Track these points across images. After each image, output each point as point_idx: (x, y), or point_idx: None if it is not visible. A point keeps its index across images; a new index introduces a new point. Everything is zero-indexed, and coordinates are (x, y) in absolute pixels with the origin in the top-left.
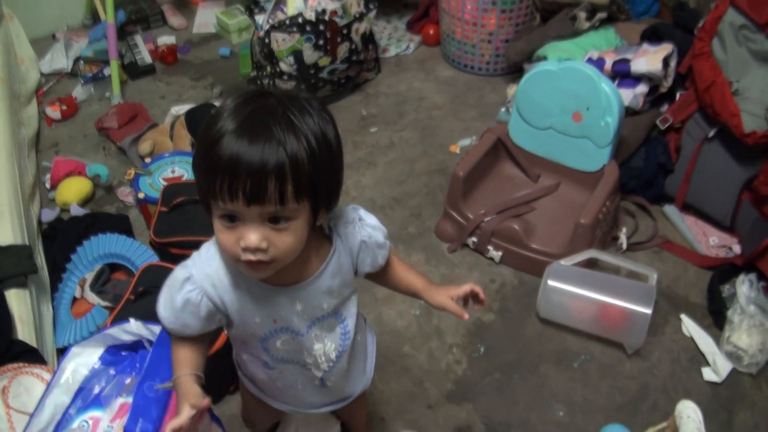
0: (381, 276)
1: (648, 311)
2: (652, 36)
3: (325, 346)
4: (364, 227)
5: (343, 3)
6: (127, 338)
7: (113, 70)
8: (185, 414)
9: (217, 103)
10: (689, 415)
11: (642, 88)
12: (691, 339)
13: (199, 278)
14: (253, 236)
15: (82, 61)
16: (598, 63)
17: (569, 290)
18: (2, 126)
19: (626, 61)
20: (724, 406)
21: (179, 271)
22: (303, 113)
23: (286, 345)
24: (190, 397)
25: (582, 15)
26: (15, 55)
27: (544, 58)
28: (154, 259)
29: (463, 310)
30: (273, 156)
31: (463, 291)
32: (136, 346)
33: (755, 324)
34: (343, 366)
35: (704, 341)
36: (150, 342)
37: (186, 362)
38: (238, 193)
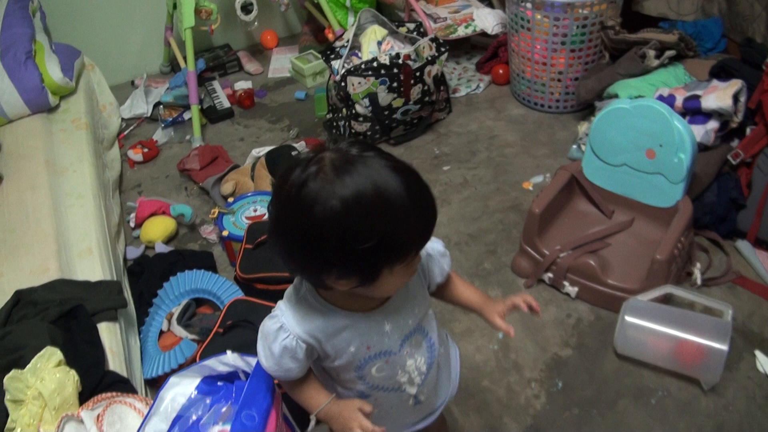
0: (444, 290)
1: (724, 347)
2: (721, 72)
3: (416, 361)
4: None
5: (416, 47)
6: (223, 369)
7: (194, 114)
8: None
9: (294, 144)
10: None
11: (713, 124)
12: (766, 376)
13: (291, 325)
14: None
15: (162, 106)
16: (669, 100)
17: (646, 326)
18: (88, 169)
19: (696, 98)
20: None
21: (270, 324)
22: None
23: (381, 371)
24: (351, 410)
25: (651, 53)
26: (97, 102)
27: (615, 95)
28: (239, 294)
29: (509, 327)
30: None
31: (508, 306)
32: (231, 377)
33: None
34: (433, 378)
35: None
36: (245, 373)
37: (317, 393)
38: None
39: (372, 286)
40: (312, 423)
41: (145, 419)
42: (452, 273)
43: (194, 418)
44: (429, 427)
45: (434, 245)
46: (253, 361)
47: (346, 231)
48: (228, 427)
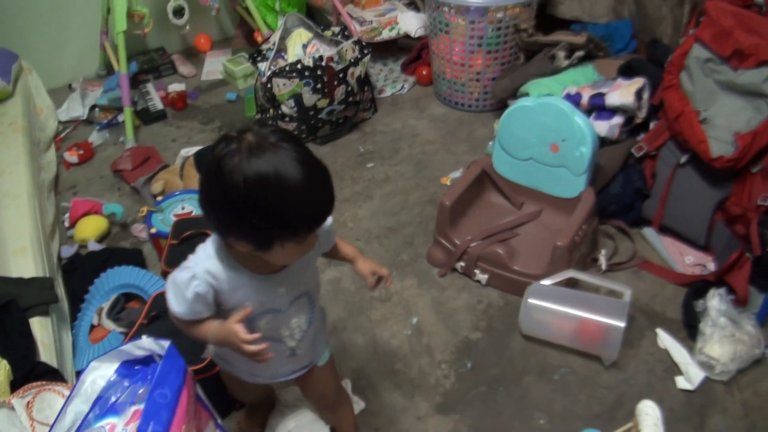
0: (329, 252)
1: (622, 324)
2: (628, 71)
3: (299, 320)
4: None
5: (339, 50)
6: (139, 353)
7: (127, 117)
8: (245, 333)
9: None
10: (648, 413)
11: (617, 120)
12: (666, 351)
13: (201, 274)
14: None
15: (97, 109)
16: (576, 98)
17: (548, 307)
18: (24, 170)
19: (601, 95)
20: (698, 411)
21: (182, 273)
22: None
23: (268, 324)
24: (230, 328)
25: (561, 54)
26: (34, 105)
27: (527, 94)
28: (165, 287)
29: (374, 282)
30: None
31: (382, 272)
32: (147, 360)
33: (726, 335)
34: (310, 335)
35: (678, 353)
36: (160, 356)
37: (210, 324)
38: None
39: (266, 254)
40: (209, 347)
41: (67, 400)
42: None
43: (113, 399)
44: (312, 380)
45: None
46: (166, 344)
47: (244, 204)
48: (143, 406)
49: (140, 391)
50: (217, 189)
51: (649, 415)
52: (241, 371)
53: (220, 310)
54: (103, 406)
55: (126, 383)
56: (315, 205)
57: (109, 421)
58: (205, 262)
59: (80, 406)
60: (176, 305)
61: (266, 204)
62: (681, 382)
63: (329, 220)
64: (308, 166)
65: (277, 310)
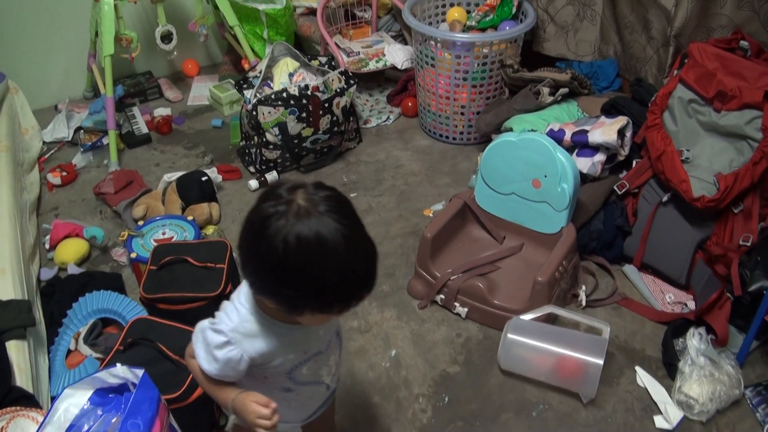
0: None
1: (599, 362)
2: (611, 109)
3: (335, 355)
4: None
5: (325, 79)
6: (113, 381)
7: (111, 140)
8: (262, 408)
9: (207, 171)
10: None
11: (600, 157)
12: (645, 389)
13: (237, 339)
14: None
15: (82, 131)
16: (559, 134)
17: (527, 343)
18: (6, 191)
19: (584, 132)
20: None
21: (215, 336)
22: None
23: (310, 369)
24: (252, 401)
25: (545, 90)
26: (19, 125)
27: (510, 129)
28: (143, 313)
29: None
30: None
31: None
32: (121, 389)
33: (705, 374)
34: (341, 365)
35: (657, 391)
36: (134, 384)
37: (230, 391)
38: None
39: (295, 317)
40: (230, 415)
41: (40, 428)
42: None
43: (86, 428)
44: (316, 421)
45: None
46: (140, 372)
47: (281, 270)
48: None
49: (113, 420)
50: (258, 248)
51: None
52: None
53: (262, 367)
54: None
55: (99, 411)
56: (352, 287)
57: None
58: (239, 324)
59: None
60: (206, 363)
61: (304, 276)
62: (659, 422)
63: None
64: (352, 241)
65: (319, 352)
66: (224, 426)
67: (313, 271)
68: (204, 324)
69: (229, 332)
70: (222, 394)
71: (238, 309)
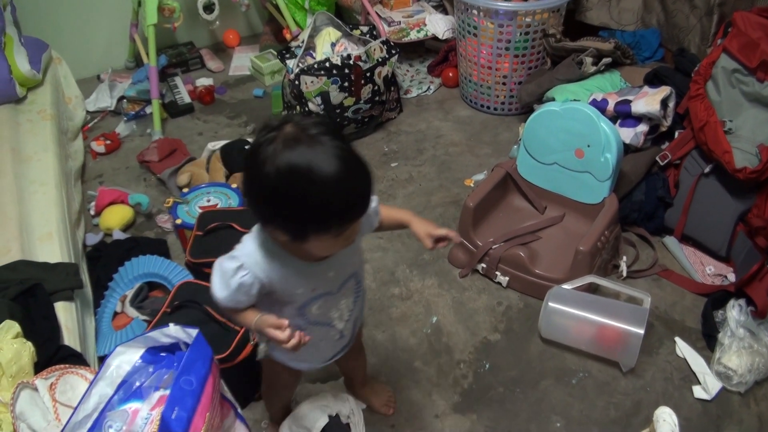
0: (378, 228)
1: (640, 331)
2: (654, 79)
3: (348, 300)
4: None
5: (367, 49)
6: (165, 340)
7: (155, 109)
8: (276, 320)
9: (250, 140)
10: (665, 419)
11: (643, 127)
12: (684, 360)
13: (250, 264)
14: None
15: (125, 100)
16: (602, 104)
17: (568, 311)
18: (52, 158)
19: (627, 103)
20: (713, 422)
21: (229, 262)
22: None
23: (320, 309)
24: (270, 319)
25: (588, 60)
26: (63, 94)
27: (553, 99)
28: (189, 277)
29: (432, 243)
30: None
31: (439, 233)
32: (173, 348)
33: (744, 346)
34: (355, 313)
35: (696, 362)
36: (186, 344)
37: (252, 313)
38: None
39: (303, 245)
40: (253, 337)
41: (92, 383)
42: (382, 208)
43: (138, 384)
44: (347, 362)
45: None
46: (193, 332)
47: (276, 194)
48: (168, 392)
49: (165, 376)
50: (254, 176)
51: (666, 422)
52: (293, 359)
53: (271, 298)
54: (127, 390)
55: (151, 369)
56: (347, 203)
57: (132, 405)
58: (253, 253)
59: (105, 389)
60: (218, 290)
61: (297, 197)
62: (698, 392)
63: (373, 202)
64: (344, 162)
65: (329, 293)
66: None
67: (306, 193)
68: (221, 257)
69: (243, 257)
70: (245, 319)
71: (254, 238)
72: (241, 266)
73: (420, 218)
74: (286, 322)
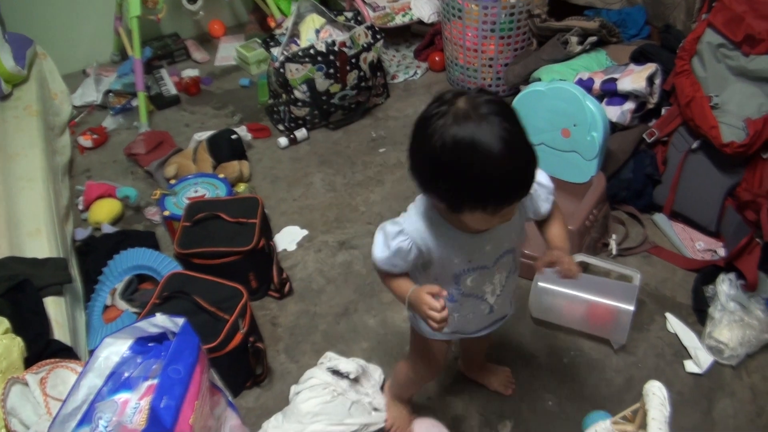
0: (541, 225)
1: (631, 308)
2: (640, 57)
3: (501, 276)
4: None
5: (351, 35)
6: (153, 330)
7: (140, 102)
8: (434, 301)
9: (237, 129)
10: (654, 393)
11: (629, 105)
12: (676, 335)
13: (410, 231)
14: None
15: (111, 94)
16: (588, 83)
17: (558, 290)
18: (38, 154)
19: (613, 81)
20: (706, 395)
21: (392, 227)
22: None
23: (474, 281)
24: (422, 294)
25: (573, 39)
26: (49, 90)
27: (539, 80)
28: (178, 268)
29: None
30: None
31: (560, 260)
32: (161, 338)
33: (735, 319)
34: (507, 290)
35: (687, 337)
36: (173, 333)
37: (407, 282)
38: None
39: (459, 216)
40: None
41: (81, 375)
42: (558, 215)
43: (126, 374)
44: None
45: (538, 189)
46: (180, 321)
47: (438, 166)
48: (156, 381)
49: (154, 366)
50: (419, 146)
51: (656, 395)
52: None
53: (427, 266)
54: (116, 381)
55: (139, 359)
56: (504, 183)
57: (122, 396)
58: (415, 219)
59: (94, 380)
60: (378, 250)
61: (458, 171)
62: (690, 366)
63: (544, 185)
64: (508, 144)
65: (484, 266)
66: (261, 375)
67: (467, 169)
68: (386, 222)
69: (404, 223)
70: (400, 288)
71: (417, 207)
72: (402, 231)
73: (566, 254)
74: (444, 291)
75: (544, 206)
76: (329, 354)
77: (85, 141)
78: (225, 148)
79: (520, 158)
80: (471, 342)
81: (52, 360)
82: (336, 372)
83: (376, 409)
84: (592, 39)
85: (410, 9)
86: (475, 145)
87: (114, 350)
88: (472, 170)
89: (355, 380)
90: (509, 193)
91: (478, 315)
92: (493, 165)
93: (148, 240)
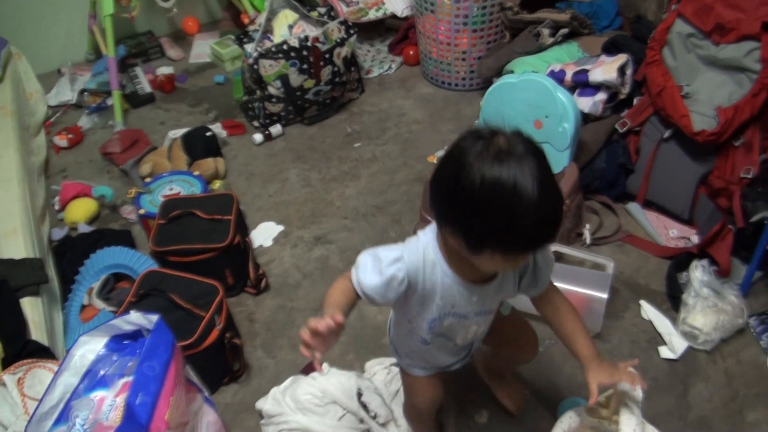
0: (541, 307)
1: (604, 296)
2: (612, 48)
3: (478, 327)
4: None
5: (324, 30)
6: (128, 328)
7: (115, 100)
8: (323, 321)
9: (211, 127)
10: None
11: (601, 96)
12: (650, 322)
13: (409, 261)
14: None
15: (86, 93)
16: (559, 74)
17: None
18: (13, 155)
19: (584, 72)
20: (681, 380)
21: (391, 252)
22: None
23: (449, 325)
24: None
25: (545, 31)
26: (24, 90)
27: (512, 72)
28: (154, 266)
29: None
30: None
31: (616, 380)
32: (136, 335)
33: (708, 305)
34: (479, 335)
35: (662, 323)
36: (148, 331)
37: (338, 304)
38: None
39: (473, 256)
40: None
41: (57, 374)
42: (561, 301)
43: (102, 372)
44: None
45: (544, 258)
46: (154, 318)
47: (473, 203)
48: (132, 378)
49: (129, 364)
50: (452, 180)
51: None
52: (415, 366)
53: (408, 299)
54: (92, 379)
55: (115, 357)
56: (539, 226)
57: (98, 394)
58: (416, 252)
59: (70, 379)
60: (368, 277)
61: (495, 211)
62: (664, 352)
63: (547, 257)
64: (544, 186)
65: (464, 316)
66: (238, 371)
67: (505, 210)
68: (376, 248)
69: (404, 251)
70: (333, 299)
71: (420, 238)
72: (401, 259)
73: (600, 362)
74: (342, 319)
75: (542, 282)
76: (368, 384)
77: (61, 141)
78: (200, 146)
79: (553, 200)
80: (501, 347)
81: (30, 360)
82: (365, 406)
83: None
84: (564, 31)
85: (384, 3)
86: (516, 186)
87: (89, 348)
88: (508, 210)
89: (382, 425)
90: (539, 236)
91: (444, 351)
92: (530, 207)
93: (124, 239)
